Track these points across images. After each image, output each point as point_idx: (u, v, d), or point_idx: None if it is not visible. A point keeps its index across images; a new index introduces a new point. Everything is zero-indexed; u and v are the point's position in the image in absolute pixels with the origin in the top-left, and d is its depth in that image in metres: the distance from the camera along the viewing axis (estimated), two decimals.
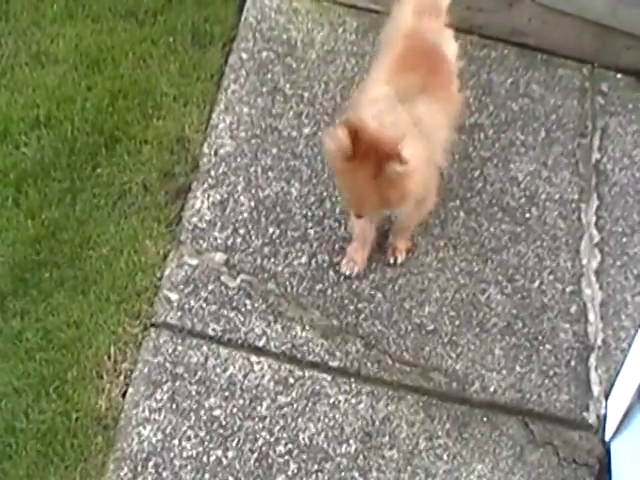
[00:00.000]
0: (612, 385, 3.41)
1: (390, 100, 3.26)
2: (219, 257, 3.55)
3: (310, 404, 3.29)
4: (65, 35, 4.12)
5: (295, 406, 3.28)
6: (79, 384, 3.25)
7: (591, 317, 3.62)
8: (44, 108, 3.87)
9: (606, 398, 3.43)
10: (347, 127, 3.06)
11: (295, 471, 3.19)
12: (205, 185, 3.71)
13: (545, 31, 4.40)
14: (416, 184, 3.19)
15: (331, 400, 3.30)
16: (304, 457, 3.21)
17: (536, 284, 3.66)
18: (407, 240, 3.62)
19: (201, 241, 3.57)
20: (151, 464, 3.15)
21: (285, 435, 3.24)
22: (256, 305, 3.45)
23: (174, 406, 3.24)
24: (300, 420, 3.26)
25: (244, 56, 4.10)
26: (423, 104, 3.29)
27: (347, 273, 3.56)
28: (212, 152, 3.79)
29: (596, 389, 3.46)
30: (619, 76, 4.36)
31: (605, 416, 3.39)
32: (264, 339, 3.39)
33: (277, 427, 3.25)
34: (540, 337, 3.54)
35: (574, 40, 4.39)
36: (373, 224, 3.53)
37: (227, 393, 3.28)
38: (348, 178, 3.20)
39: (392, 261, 3.60)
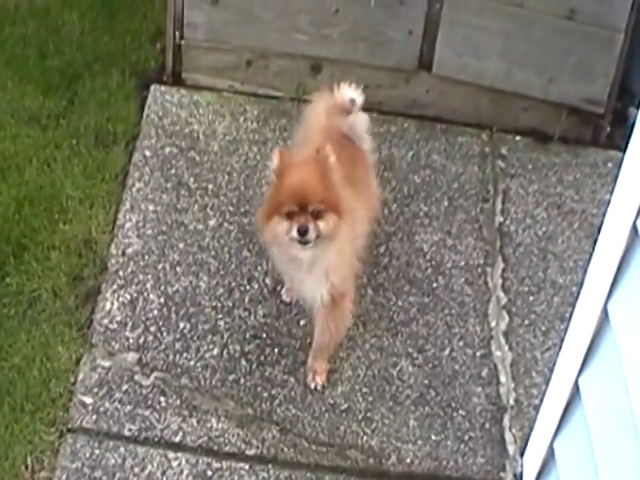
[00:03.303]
0: (527, 442, 3.49)
1: None
2: (132, 357, 3.61)
3: None
4: None
5: None
6: None
7: (502, 378, 3.70)
8: None
9: (521, 456, 3.50)
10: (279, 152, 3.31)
11: None
12: (114, 286, 3.77)
13: (443, 101, 4.54)
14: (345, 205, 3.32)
15: None
16: None
17: (446, 352, 3.74)
18: (326, 362, 3.63)
19: (113, 342, 3.63)
20: None
21: None
22: (171, 401, 3.50)
23: None
24: None
25: (147, 153, 4.20)
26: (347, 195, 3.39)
27: (288, 300, 3.75)
28: (120, 252, 3.87)
29: (511, 448, 3.54)
30: (518, 138, 4.50)
31: (521, 474, 3.46)
32: (180, 434, 3.43)
33: None
34: (453, 404, 3.62)
35: (472, 107, 4.53)
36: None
37: None
38: (289, 177, 3.27)
39: (313, 386, 3.60)
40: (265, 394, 3.56)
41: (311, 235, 3.23)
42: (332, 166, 3.28)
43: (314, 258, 3.31)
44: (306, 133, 3.74)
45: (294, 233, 3.22)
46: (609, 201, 2.77)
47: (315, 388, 3.60)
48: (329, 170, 3.27)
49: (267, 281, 3.83)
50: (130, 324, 3.68)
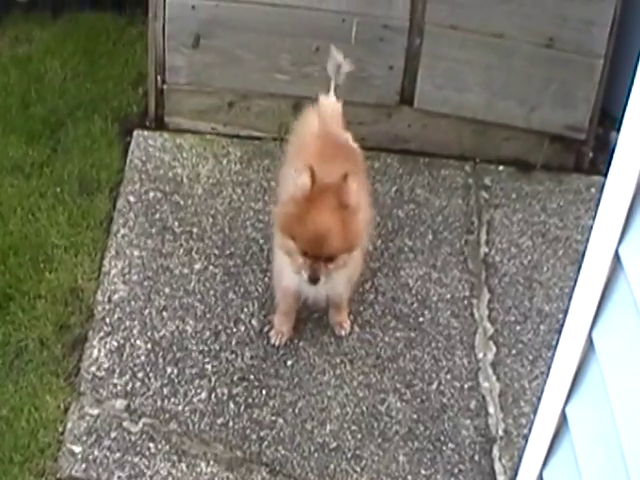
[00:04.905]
0: (516, 472, 3.47)
1: None
2: (120, 403, 3.61)
3: None
4: None
5: None
6: None
7: (491, 409, 3.71)
8: None
9: None
10: (309, 170, 3.37)
11: None
12: (101, 333, 3.78)
13: (425, 135, 4.56)
14: (363, 224, 3.52)
15: None
16: None
17: (434, 386, 3.75)
18: (346, 311, 3.84)
19: (101, 390, 3.64)
20: None
21: None
22: (160, 447, 3.50)
23: None
24: None
25: (131, 199, 4.22)
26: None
27: (277, 344, 3.78)
28: (106, 299, 3.88)
29: (501, 479, 3.53)
30: (501, 168, 4.53)
31: None
32: None
33: None
34: (442, 437, 3.62)
35: (454, 139, 4.56)
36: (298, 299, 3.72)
37: None
38: (309, 218, 3.37)
39: (343, 333, 3.84)
40: (254, 436, 3.56)
41: (321, 280, 3.42)
42: (352, 195, 3.40)
43: (324, 282, 3.47)
44: (300, 141, 3.83)
45: (304, 276, 3.42)
46: (592, 227, 2.77)
47: (344, 333, 3.85)
48: (348, 202, 3.39)
49: (253, 323, 3.85)
50: (117, 371, 3.69)
